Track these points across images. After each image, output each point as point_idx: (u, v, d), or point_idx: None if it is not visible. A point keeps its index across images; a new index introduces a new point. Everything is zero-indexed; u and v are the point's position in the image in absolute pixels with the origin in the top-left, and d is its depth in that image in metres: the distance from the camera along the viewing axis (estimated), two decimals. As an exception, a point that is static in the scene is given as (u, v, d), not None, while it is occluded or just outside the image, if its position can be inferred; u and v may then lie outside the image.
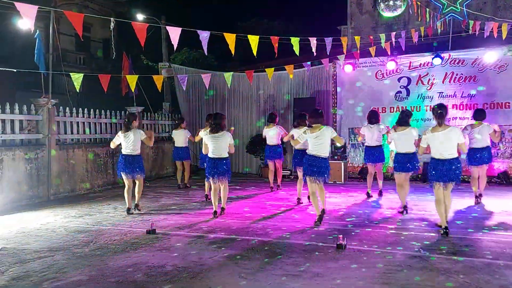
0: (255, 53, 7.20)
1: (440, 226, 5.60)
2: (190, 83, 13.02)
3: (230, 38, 6.94)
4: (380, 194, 8.48)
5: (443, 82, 10.66)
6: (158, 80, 8.62)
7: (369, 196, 8.41)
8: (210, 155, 6.76)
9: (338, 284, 3.90)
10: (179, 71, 13.00)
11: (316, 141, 6.10)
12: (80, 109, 10.06)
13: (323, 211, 6.27)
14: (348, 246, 5.00)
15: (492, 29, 8.78)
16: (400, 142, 6.75)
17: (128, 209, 7.26)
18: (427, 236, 5.47)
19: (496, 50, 9.91)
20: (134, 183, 7.35)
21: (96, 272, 4.35)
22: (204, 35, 6.70)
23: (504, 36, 8.32)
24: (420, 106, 10.78)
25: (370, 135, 8.11)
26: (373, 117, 8.11)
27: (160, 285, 3.97)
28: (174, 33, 6.50)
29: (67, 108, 9.68)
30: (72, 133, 9.78)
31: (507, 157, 9.89)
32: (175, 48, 6.67)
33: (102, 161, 10.37)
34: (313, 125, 6.15)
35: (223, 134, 6.69)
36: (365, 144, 8.40)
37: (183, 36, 6.75)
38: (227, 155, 6.78)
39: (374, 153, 8.12)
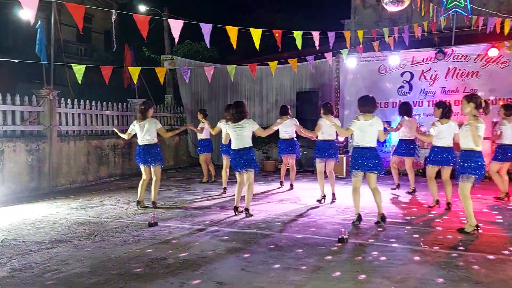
0: (257, 47, 7.16)
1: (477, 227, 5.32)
2: (192, 75, 12.98)
3: (232, 31, 6.90)
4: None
5: (445, 77, 10.63)
6: (160, 72, 8.59)
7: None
8: (233, 146, 6.45)
9: (338, 277, 3.92)
10: (181, 64, 12.96)
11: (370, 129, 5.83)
12: (82, 100, 10.06)
13: (382, 217, 5.82)
14: (350, 240, 5.02)
15: (495, 24, 8.73)
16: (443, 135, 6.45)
17: (138, 202, 7.13)
18: (428, 231, 5.48)
19: (499, 45, 9.87)
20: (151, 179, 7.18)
21: (98, 264, 4.37)
22: (206, 28, 6.66)
23: (506, 32, 8.28)
24: (422, 101, 10.75)
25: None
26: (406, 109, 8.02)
27: (162, 277, 3.99)
28: (176, 26, 6.47)
29: (69, 99, 9.67)
30: (73, 124, 9.77)
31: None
32: (176, 41, 6.63)
33: (104, 153, 10.37)
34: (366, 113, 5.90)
35: (244, 123, 6.31)
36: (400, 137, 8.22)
37: (186, 28, 6.73)
38: (251, 145, 6.41)
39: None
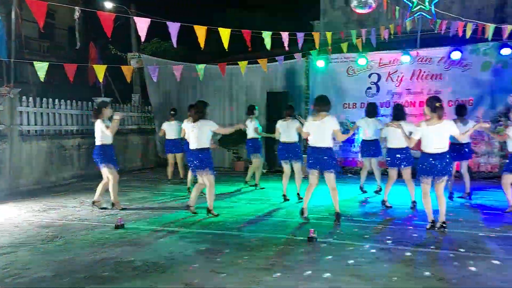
0: (226, 47, 7.10)
1: (433, 222, 5.51)
2: (161, 74, 12.77)
3: (200, 31, 6.81)
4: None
5: (411, 79, 10.90)
6: (127, 71, 8.41)
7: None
8: (190, 146, 6.40)
9: (308, 276, 3.94)
10: (149, 62, 12.72)
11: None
12: (44, 99, 9.71)
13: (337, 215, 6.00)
14: (320, 239, 5.05)
15: (458, 28, 9.02)
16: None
17: (93, 202, 7.01)
18: (395, 229, 5.59)
19: (462, 49, 10.21)
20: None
21: (62, 268, 4.22)
22: (174, 27, 6.54)
23: (468, 36, 8.57)
24: (389, 102, 10.99)
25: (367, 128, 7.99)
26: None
27: (129, 280, 3.89)
28: (142, 24, 6.31)
29: (30, 98, 9.32)
30: (35, 124, 9.42)
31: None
32: (142, 40, 6.48)
33: (68, 153, 10.05)
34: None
35: (200, 123, 6.26)
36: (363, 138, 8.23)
37: (154, 26, 6.59)
38: (207, 146, 6.32)
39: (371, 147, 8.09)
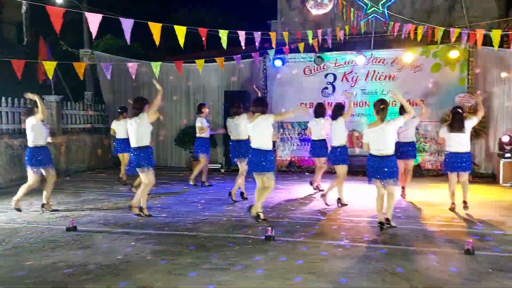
0: (182, 44, 6.99)
1: (382, 224, 5.57)
2: (115, 71, 12.43)
3: (155, 28, 6.67)
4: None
5: (365, 79, 11.21)
6: (79, 67, 8.10)
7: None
8: (131, 144, 6.28)
9: (265, 275, 3.96)
10: (102, 59, 12.36)
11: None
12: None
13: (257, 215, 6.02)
14: (277, 238, 5.09)
15: (409, 31, 9.34)
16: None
17: (43, 205, 6.78)
18: (351, 226, 5.73)
19: (413, 51, 10.62)
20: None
21: (9, 274, 4.02)
22: (127, 23, 6.36)
23: (419, 38, 8.90)
24: (344, 102, 11.22)
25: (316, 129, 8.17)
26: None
27: (82, 284, 3.76)
28: (94, 20, 6.07)
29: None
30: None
31: (419, 150, 10.64)
32: (93, 36, 6.26)
33: (16, 153, 9.57)
34: None
35: (139, 117, 6.08)
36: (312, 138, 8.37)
37: (107, 22, 6.39)
38: (147, 144, 6.17)
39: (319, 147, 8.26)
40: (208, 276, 3.93)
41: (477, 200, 7.42)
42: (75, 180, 10.07)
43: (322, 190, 8.46)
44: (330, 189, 7.13)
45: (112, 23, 6.88)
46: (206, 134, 8.99)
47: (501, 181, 9.16)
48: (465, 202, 6.55)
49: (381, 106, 5.43)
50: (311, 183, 8.66)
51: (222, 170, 11.63)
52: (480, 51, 10.37)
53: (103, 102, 13.03)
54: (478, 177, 9.91)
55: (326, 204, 7.01)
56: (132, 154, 6.23)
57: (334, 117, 7.15)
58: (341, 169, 6.97)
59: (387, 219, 5.54)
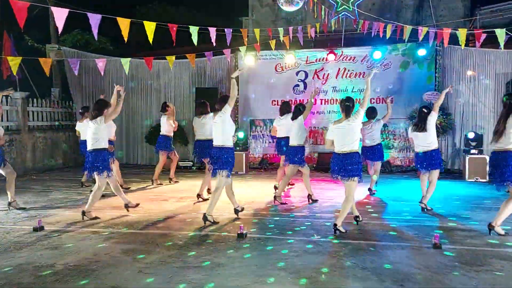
0: (151, 40, 6.87)
1: (357, 217, 5.71)
2: (83, 68, 12.15)
3: (124, 23, 6.53)
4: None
5: (336, 77, 11.34)
6: (45, 63, 7.85)
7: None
8: (87, 147, 6.18)
9: (238, 272, 3.95)
10: (70, 55, 12.04)
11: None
12: None
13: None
14: (249, 235, 5.09)
15: (378, 29, 9.50)
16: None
17: (9, 204, 6.63)
18: (323, 223, 5.79)
19: (382, 49, 10.82)
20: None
21: (-29, 277, 3.86)
22: (94, 19, 6.19)
23: (388, 36, 9.06)
24: (315, 100, 11.34)
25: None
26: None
27: (50, 286, 3.66)
28: (60, 15, 5.88)
29: None
30: None
31: (389, 147, 10.87)
32: (60, 31, 6.07)
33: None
34: None
35: (97, 120, 6.01)
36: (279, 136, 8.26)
37: (75, 17, 6.21)
38: (102, 146, 6.05)
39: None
40: (180, 275, 3.89)
41: (444, 195, 7.64)
42: (42, 179, 9.78)
43: (293, 184, 8.60)
44: (282, 190, 7.25)
45: (79, 18, 6.70)
46: (170, 132, 9.09)
47: (467, 177, 9.45)
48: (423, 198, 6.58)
49: (346, 104, 5.34)
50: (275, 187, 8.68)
51: (194, 168, 11.55)
52: (447, 50, 10.67)
53: (71, 99, 12.70)
54: (445, 173, 10.21)
55: (282, 203, 7.06)
56: (88, 157, 6.06)
57: (295, 117, 7.12)
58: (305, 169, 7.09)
59: (335, 224, 5.27)
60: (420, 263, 4.19)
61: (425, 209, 6.44)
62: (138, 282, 3.74)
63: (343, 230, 5.24)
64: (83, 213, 5.98)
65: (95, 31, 6.17)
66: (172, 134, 9.10)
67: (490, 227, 5.15)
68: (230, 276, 3.87)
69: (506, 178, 5.04)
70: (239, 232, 5.04)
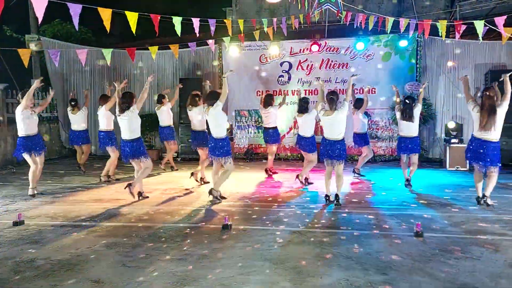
0: (134, 31, 6.79)
1: (328, 196, 6.28)
2: (64, 59, 11.92)
3: (105, 13, 6.41)
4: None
5: (320, 68, 11.36)
6: (24, 54, 7.69)
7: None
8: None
9: (222, 263, 3.96)
10: (50, 45, 11.79)
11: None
12: None
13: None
14: (234, 226, 5.10)
15: (361, 20, 9.52)
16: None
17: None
18: (307, 212, 5.82)
19: (364, 40, 10.86)
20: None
21: (-51, 273, 3.78)
22: (75, 8, 6.06)
23: (370, 27, 9.10)
24: (300, 90, 11.35)
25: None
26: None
27: (30, 281, 3.60)
28: (39, 5, 5.73)
29: None
30: None
31: (372, 137, 10.96)
32: (39, 21, 5.93)
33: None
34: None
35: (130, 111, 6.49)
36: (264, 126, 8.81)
37: (55, 6, 6.07)
38: (139, 135, 6.64)
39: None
40: (164, 268, 3.88)
41: (425, 184, 7.77)
42: (22, 172, 9.60)
43: (276, 173, 8.84)
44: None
45: (60, 7, 6.54)
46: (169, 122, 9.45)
47: (447, 166, 9.62)
48: (408, 180, 7.41)
49: (330, 97, 6.08)
50: (266, 171, 8.85)
51: (179, 159, 11.49)
52: (428, 41, 10.78)
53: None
54: (426, 162, 10.38)
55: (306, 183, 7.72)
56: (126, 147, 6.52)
57: (301, 110, 7.62)
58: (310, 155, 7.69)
59: (336, 195, 6.18)
60: (403, 251, 4.25)
61: (408, 184, 7.38)
62: (121, 276, 3.71)
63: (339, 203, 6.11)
64: (139, 194, 6.64)
65: (75, 20, 6.05)
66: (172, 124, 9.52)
67: (482, 198, 6.00)
68: (214, 267, 3.88)
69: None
70: (224, 223, 5.05)
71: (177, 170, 9.66)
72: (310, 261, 4.01)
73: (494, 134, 5.81)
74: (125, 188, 6.45)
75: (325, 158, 6.29)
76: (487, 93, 5.80)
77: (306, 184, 7.66)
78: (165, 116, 9.43)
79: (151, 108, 11.93)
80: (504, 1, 10.72)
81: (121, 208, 6.17)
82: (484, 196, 6.00)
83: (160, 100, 9.41)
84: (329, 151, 6.18)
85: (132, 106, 6.42)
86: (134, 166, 6.74)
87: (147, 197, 6.74)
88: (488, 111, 5.76)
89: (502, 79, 5.81)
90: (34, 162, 6.99)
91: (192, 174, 8.03)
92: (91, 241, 4.66)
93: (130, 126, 6.44)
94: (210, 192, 6.41)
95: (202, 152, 7.84)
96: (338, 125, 6.14)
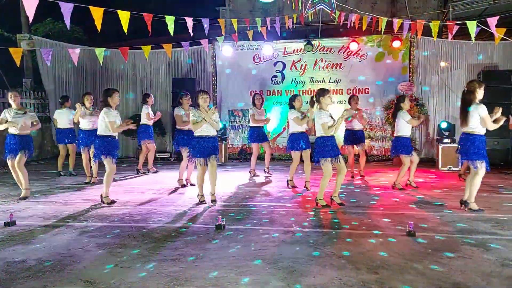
0: (125, 30, 6.76)
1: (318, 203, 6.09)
2: (56, 58, 11.85)
3: (97, 12, 6.38)
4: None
5: (313, 68, 11.39)
6: (16, 53, 7.62)
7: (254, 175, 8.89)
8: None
9: (216, 264, 3.95)
10: (42, 44, 11.71)
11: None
12: None
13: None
14: (227, 226, 5.09)
15: (355, 21, 9.55)
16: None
17: None
18: (299, 212, 5.84)
19: (358, 40, 10.89)
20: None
21: None
22: (66, 7, 6.02)
23: (364, 28, 9.14)
24: (293, 90, 11.37)
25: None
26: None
27: (22, 282, 3.57)
28: (30, 3, 5.69)
29: None
30: None
31: (365, 137, 10.99)
32: (30, 20, 5.89)
33: None
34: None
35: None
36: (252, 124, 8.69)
37: (46, 5, 6.03)
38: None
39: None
40: (157, 268, 3.86)
41: (418, 183, 7.80)
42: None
43: (258, 176, 8.82)
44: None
45: (51, 6, 6.50)
46: (150, 121, 9.30)
47: (440, 166, 9.67)
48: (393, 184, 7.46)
49: (317, 96, 6.03)
50: (252, 171, 8.86)
51: (172, 159, 11.46)
52: (421, 41, 10.84)
53: (43, 90, 12.38)
54: (419, 162, 10.41)
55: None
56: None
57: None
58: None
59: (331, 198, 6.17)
60: (395, 250, 4.27)
61: (409, 183, 7.46)
62: (114, 277, 3.69)
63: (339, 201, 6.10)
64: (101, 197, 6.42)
65: (67, 19, 6.02)
66: (151, 123, 9.30)
67: (464, 204, 5.80)
68: (207, 268, 3.87)
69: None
70: (217, 223, 5.04)
71: (144, 173, 9.38)
72: (303, 260, 4.02)
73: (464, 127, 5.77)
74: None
75: (320, 157, 6.00)
76: (465, 88, 5.78)
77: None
78: (143, 115, 9.31)
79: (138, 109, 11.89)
80: (497, 2, 10.80)
81: (114, 208, 6.14)
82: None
83: (144, 100, 9.37)
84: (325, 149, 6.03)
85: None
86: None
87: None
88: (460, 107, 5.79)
89: (495, 111, 5.71)
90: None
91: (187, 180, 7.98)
92: (83, 241, 4.64)
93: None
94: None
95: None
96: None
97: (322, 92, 5.97)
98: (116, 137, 6.45)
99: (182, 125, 7.55)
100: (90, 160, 8.01)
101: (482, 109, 5.53)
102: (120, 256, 4.16)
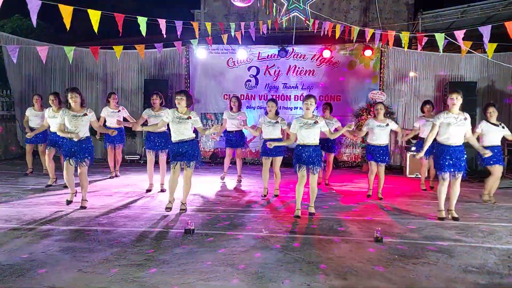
0: (96, 29, 6.60)
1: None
2: (23, 55, 11.48)
3: (66, 11, 6.21)
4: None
5: (287, 74, 11.46)
6: (-20, 49, 7.34)
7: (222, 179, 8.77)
8: None
9: (183, 269, 3.89)
10: (9, 41, 11.32)
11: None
12: None
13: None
14: (197, 231, 5.03)
15: (328, 29, 9.69)
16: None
17: None
18: (270, 217, 5.83)
19: (331, 48, 11.05)
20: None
21: None
22: (34, 4, 5.83)
23: (337, 36, 9.27)
24: (267, 95, 11.40)
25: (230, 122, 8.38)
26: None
27: (-22, 288, 3.42)
28: None
29: None
30: None
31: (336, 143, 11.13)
32: None
33: None
34: None
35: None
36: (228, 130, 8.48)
37: (14, 1, 5.83)
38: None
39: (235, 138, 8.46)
40: (123, 273, 3.77)
41: (385, 190, 7.93)
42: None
43: (240, 181, 8.68)
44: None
45: (20, 1, 6.29)
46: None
47: (407, 173, 9.89)
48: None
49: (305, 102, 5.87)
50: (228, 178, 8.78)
51: (141, 162, 11.28)
52: (392, 51, 11.09)
53: (8, 88, 11.96)
54: (387, 169, 10.60)
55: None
56: None
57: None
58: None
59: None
60: (363, 256, 4.32)
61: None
62: (77, 282, 3.58)
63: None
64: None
65: (33, 16, 5.82)
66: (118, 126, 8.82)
67: (452, 215, 5.90)
68: (175, 273, 3.80)
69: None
70: (186, 228, 4.97)
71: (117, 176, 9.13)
72: (272, 266, 4.01)
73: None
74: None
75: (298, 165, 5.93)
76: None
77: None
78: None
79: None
80: (464, 16, 11.18)
81: (80, 211, 5.97)
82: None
83: (107, 100, 8.93)
84: (306, 158, 5.90)
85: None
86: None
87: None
88: None
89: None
90: None
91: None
92: (46, 245, 4.48)
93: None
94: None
95: None
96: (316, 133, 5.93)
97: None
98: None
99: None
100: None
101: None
102: (85, 261, 4.04)
